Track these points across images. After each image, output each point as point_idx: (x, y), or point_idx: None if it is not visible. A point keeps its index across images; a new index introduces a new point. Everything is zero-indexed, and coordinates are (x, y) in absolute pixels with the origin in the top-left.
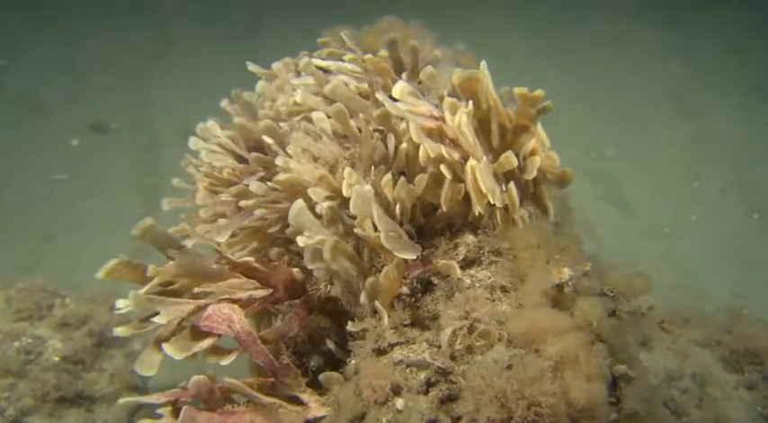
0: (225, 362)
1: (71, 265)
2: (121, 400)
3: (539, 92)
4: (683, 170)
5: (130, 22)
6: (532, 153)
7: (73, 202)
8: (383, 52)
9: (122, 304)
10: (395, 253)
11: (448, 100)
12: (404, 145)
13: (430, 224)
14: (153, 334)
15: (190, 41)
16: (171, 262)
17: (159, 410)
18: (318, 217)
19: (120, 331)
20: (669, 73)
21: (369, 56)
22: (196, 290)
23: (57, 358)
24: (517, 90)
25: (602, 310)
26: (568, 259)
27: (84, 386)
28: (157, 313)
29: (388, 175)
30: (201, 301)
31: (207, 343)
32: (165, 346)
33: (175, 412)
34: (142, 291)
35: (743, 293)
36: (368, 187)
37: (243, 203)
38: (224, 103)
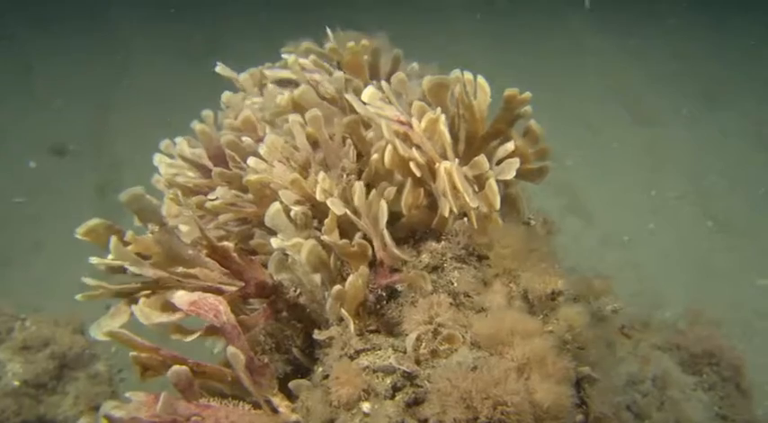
0: (188, 339)
1: (31, 288)
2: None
3: (527, 94)
4: (640, 179)
5: (87, 41)
6: (511, 155)
7: (32, 225)
8: (365, 41)
9: (96, 260)
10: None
11: (416, 104)
12: (375, 156)
13: (393, 234)
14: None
15: (149, 61)
16: (150, 235)
17: (128, 394)
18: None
19: (88, 282)
20: (624, 83)
21: (351, 44)
22: (178, 270)
23: (16, 383)
24: (507, 91)
25: (587, 317)
26: (557, 269)
27: (47, 410)
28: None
29: (360, 183)
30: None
31: (178, 316)
32: (134, 308)
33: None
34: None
35: (699, 298)
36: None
37: (209, 204)
38: (194, 124)
